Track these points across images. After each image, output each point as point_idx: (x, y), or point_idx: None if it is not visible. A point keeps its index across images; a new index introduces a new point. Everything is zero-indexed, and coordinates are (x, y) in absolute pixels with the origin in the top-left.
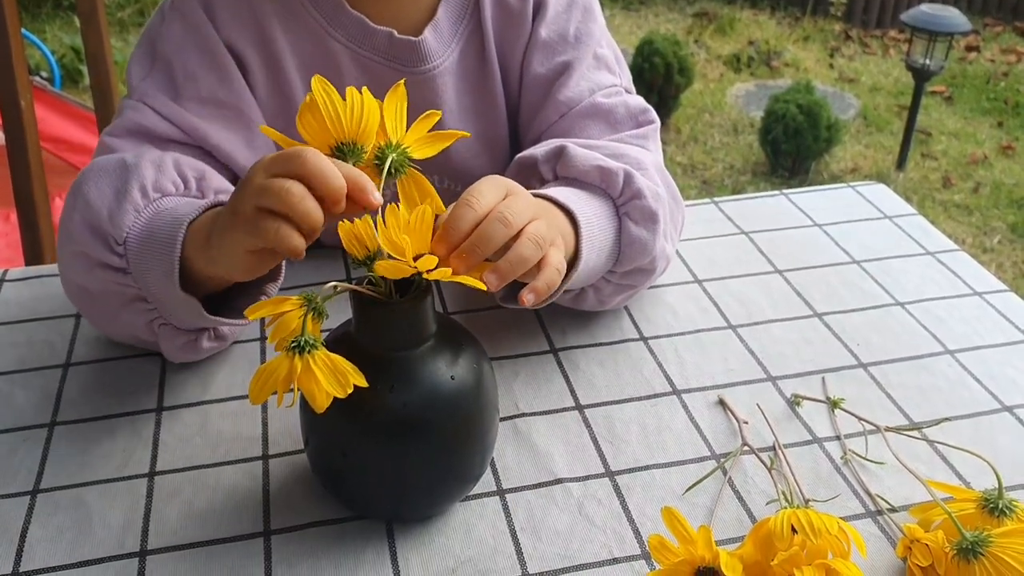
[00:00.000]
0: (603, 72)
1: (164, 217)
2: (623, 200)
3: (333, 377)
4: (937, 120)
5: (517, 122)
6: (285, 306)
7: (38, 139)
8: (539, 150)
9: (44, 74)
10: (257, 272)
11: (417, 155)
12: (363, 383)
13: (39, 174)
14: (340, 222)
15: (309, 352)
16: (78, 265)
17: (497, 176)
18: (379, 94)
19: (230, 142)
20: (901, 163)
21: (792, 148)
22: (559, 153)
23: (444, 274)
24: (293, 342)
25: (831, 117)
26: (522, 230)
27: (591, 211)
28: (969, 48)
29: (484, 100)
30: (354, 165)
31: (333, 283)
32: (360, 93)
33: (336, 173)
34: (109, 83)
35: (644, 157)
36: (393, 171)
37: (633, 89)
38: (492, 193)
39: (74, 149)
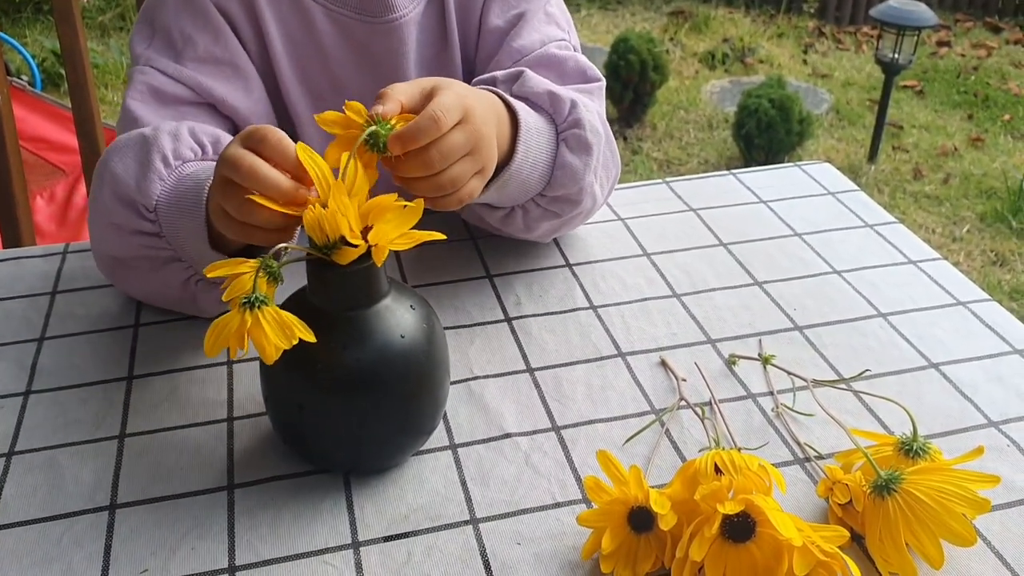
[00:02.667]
0: (553, 27)
1: (187, 183)
2: (564, 127)
3: (280, 330)
4: (908, 113)
5: (472, 74)
6: (242, 268)
7: (16, 135)
8: (499, 72)
9: (25, 77)
10: (244, 238)
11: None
12: (309, 337)
13: (18, 170)
14: (305, 216)
15: (259, 307)
16: (112, 236)
17: (460, 91)
18: (350, 45)
19: (231, 95)
20: (872, 155)
21: (765, 142)
22: (517, 76)
23: (394, 245)
24: (245, 299)
25: (803, 111)
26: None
27: (534, 124)
28: (940, 43)
29: (443, 53)
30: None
31: (283, 244)
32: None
33: (291, 151)
34: (86, 82)
35: (589, 103)
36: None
37: (580, 49)
38: (455, 113)
39: (54, 148)
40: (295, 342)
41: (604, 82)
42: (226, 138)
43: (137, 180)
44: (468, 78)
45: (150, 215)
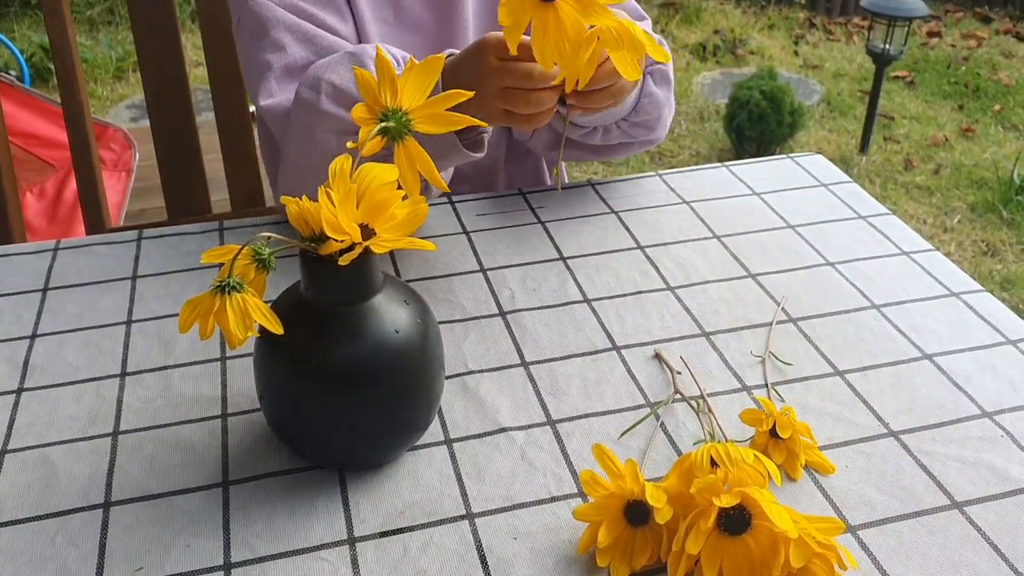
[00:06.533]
0: None
1: None
2: (650, 63)
3: (240, 319)
4: (900, 104)
5: None
6: (233, 254)
7: (5, 130)
8: None
9: (13, 72)
10: (531, 124)
11: (420, 128)
12: (273, 328)
13: (7, 166)
14: (288, 205)
15: (230, 293)
16: (330, 141)
17: None
18: None
19: (332, 20)
20: (864, 146)
21: (756, 134)
22: None
23: (384, 247)
24: (220, 282)
25: (794, 102)
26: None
27: None
28: (931, 34)
29: (496, 2)
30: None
31: (266, 234)
32: None
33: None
34: (75, 76)
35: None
36: (393, 136)
37: None
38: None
39: (43, 144)
40: (252, 333)
41: (649, 19)
42: (402, 54)
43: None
44: None
45: None
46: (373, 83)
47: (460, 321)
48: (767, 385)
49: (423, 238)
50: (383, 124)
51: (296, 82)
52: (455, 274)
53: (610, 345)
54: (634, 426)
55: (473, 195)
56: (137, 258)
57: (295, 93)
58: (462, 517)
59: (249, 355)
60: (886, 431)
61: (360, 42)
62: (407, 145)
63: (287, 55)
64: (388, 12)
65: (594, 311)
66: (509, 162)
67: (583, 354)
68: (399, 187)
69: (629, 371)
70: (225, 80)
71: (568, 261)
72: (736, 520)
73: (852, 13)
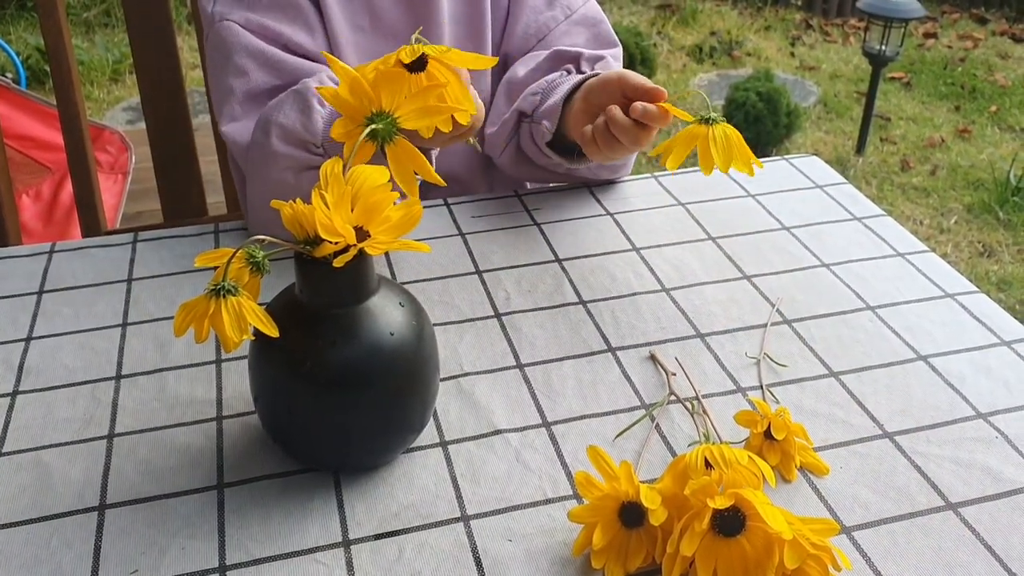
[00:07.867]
0: None
1: None
2: None
3: (235, 322)
4: (896, 105)
5: (503, 30)
6: (227, 257)
7: (1, 133)
8: (584, 52)
9: (10, 75)
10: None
11: (407, 125)
12: (268, 330)
13: (3, 168)
14: (283, 209)
15: (224, 296)
16: (287, 178)
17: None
18: None
19: (298, 37)
20: (860, 147)
21: (752, 135)
22: (601, 59)
23: (380, 248)
24: (215, 286)
25: (791, 104)
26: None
27: None
28: (927, 35)
29: (474, 9)
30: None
31: (261, 236)
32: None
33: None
34: (71, 79)
35: None
36: (382, 139)
37: None
38: None
39: (39, 146)
40: (247, 336)
41: (621, 48)
42: None
43: (303, 123)
44: (497, 35)
45: (319, 149)
46: (347, 94)
47: (455, 323)
48: (762, 386)
49: (418, 240)
50: (372, 127)
51: (258, 107)
52: (450, 276)
53: (605, 347)
54: (629, 428)
55: (469, 197)
56: (133, 261)
57: (251, 135)
58: (457, 519)
59: (244, 358)
60: (881, 432)
61: (332, 53)
62: (398, 145)
63: (250, 80)
64: (364, 19)
65: (589, 313)
66: (488, 173)
67: (578, 356)
68: (394, 188)
69: (624, 373)
70: None
71: (563, 263)
72: (730, 521)
73: (848, 14)
